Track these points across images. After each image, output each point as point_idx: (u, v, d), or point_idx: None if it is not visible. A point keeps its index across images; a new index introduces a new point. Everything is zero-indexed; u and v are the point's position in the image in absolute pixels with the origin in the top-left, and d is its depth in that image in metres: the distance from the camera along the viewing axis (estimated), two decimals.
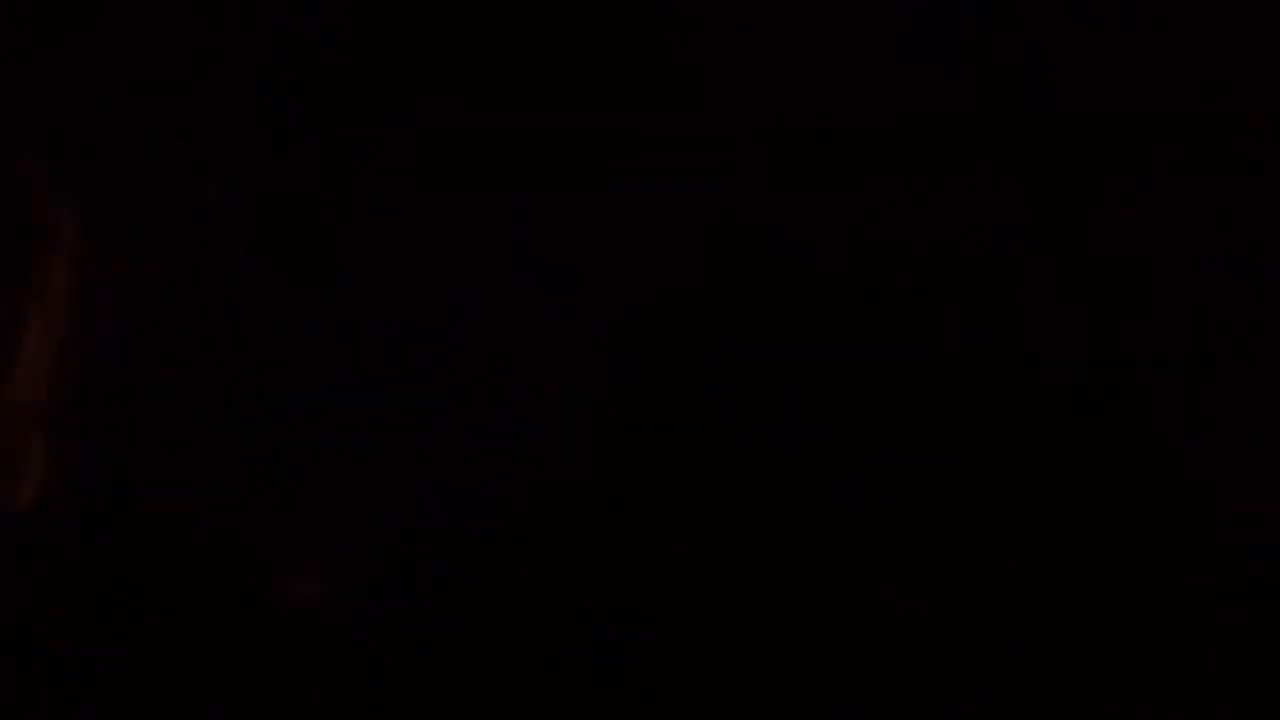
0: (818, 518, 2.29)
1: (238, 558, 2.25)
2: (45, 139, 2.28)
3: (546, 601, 2.28)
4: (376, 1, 2.35)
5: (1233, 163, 2.30)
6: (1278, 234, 2.30)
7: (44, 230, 2.10)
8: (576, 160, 2.35)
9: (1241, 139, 2.30)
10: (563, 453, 2.32)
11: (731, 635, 2.27)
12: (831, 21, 2.35)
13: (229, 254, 2.33)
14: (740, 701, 2.25)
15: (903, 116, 2.33)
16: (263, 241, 2.34)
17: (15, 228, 2.09)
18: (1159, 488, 2.26)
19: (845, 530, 2.28)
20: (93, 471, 2.27)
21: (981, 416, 2.30)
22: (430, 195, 2.36)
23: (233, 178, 2.33)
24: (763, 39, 2.36)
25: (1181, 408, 2.28)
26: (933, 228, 2.33)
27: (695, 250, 2.35)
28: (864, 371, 2.32)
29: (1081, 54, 2.32)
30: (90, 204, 2.31)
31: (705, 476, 2.31)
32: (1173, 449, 2.28)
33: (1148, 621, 2.22)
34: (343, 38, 2.36)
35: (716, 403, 2.33)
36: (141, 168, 2.33)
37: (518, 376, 2.33)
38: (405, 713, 2.23)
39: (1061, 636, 2.23)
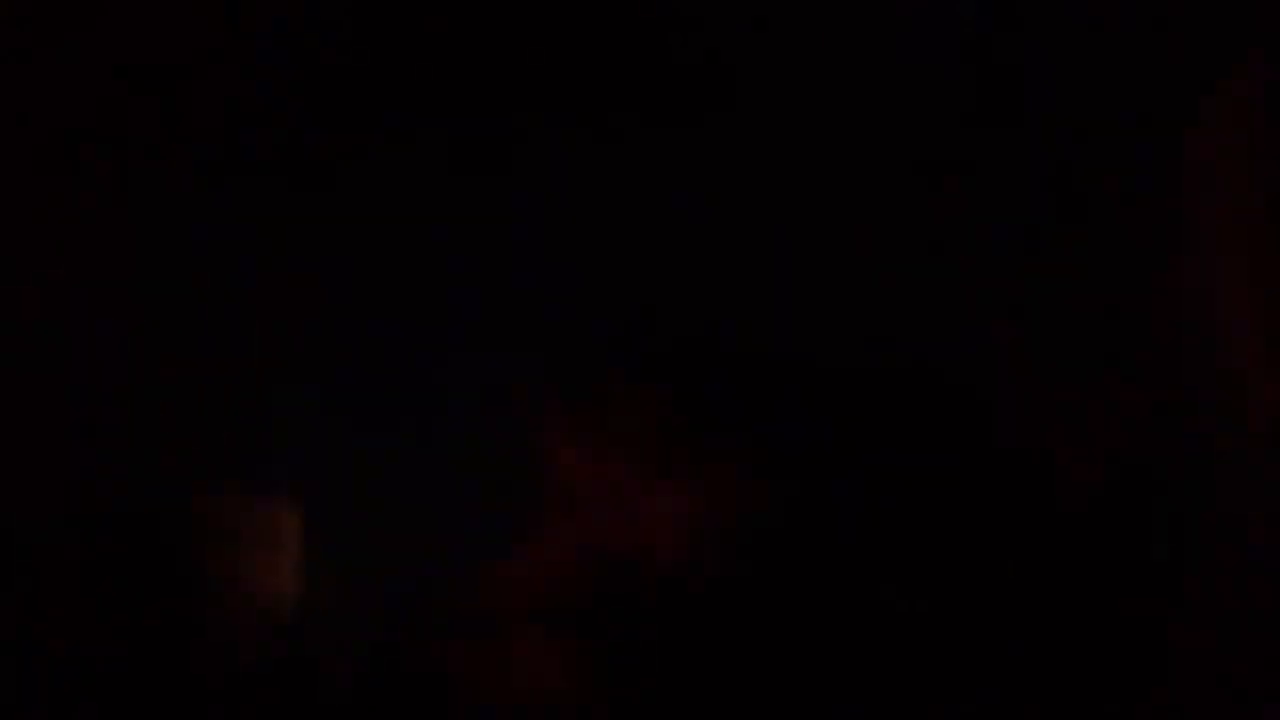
0: (816, 517, 2.29)
1: (233, 558, 2.25)
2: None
3: (540, 602, 2.28)
4: (377, 3, 2.36)
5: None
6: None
7: None
8: (573, 159, 2.36)
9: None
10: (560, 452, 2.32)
11: (729, 633, 2.28)
12: (831, 21, 2.35)
13: (229, 253, 2.34)
14: (736, 701, 2.25)
15: (901, 116, 2.33)
16: (262, 240, 2.34)
17: None
18: (1158, 490, 2.26)
19: (845, 531, 2.28)
20: (92, 471, 2.28)
21: (976, 419, 2.31)
22: (430, 192, 2.37)
23: (232, 177, 2.34)
24: (762, 39, 2.36)
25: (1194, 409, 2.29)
26: (930, 228, 2.33)
27: (693, 249, 2.35)
28: (861, 371, 2.32)
29: (1082, 54, 2.33)
30: (91, 203, 2.32)
31: (702, 474, 2.31)
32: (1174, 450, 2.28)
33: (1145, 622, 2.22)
34: (343, 38, 2.36)
35: (715, 401, 2.33)
36: (142, 166, 2.33)
37: (514, 376, 2.34)
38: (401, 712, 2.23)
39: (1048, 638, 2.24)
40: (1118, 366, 2.27)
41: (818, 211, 2.34)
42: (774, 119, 2.35)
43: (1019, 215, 2.32)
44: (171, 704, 2.18)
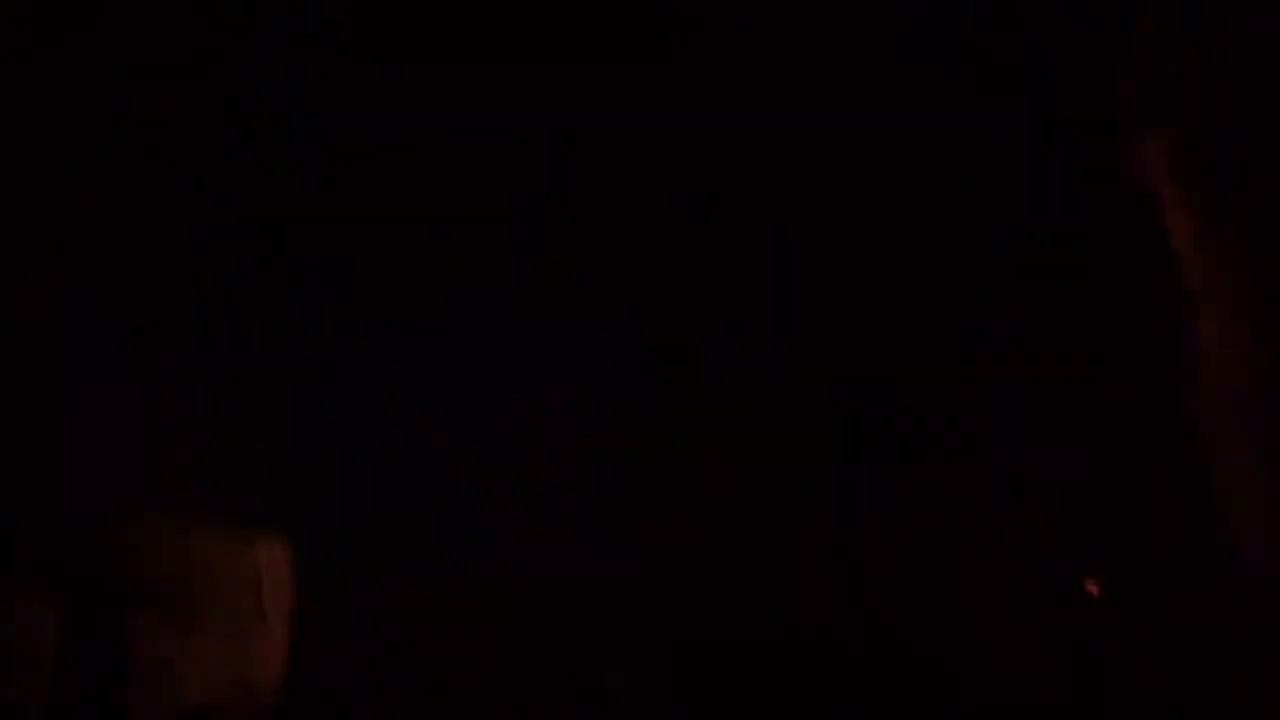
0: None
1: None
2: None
3: (531, 596, 2.29)
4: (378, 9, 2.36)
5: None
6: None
7: None
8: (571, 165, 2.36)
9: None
10: (552, 448, 2.33)
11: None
12: (832, 21, 2.35)
13: (232, 251, 2.34)
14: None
15: (901, 118, 2.34)
16: (262, 238, 2.34)
17: None
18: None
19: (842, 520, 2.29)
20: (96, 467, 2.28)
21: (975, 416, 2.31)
22: (428, 190, 2.37)
23: (233, 175, 2.34)
24: (763, 38, 2.37)
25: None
26: (929, 229, 2.34)
27: (694, 254, 2.35)
28: (860, 370, 2.33)
29: (1078, 56, 2.33)
30: (91, 200, 2.33)
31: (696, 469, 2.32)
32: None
33: None
34: (343, 38, 2.37)
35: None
36: (143, 164, 2.34)
37: (511, 380, 2.34)
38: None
39: None
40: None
41: (811, 207, 2.35)
42: (773, 117, 2.36)
43: (1016, 214, 2.33)
44: None
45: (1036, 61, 2.33)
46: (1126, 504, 2.28)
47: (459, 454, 2.31)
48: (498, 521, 2.30)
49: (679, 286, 2.35)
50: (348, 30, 2.36)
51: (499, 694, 2.21)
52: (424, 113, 2.35)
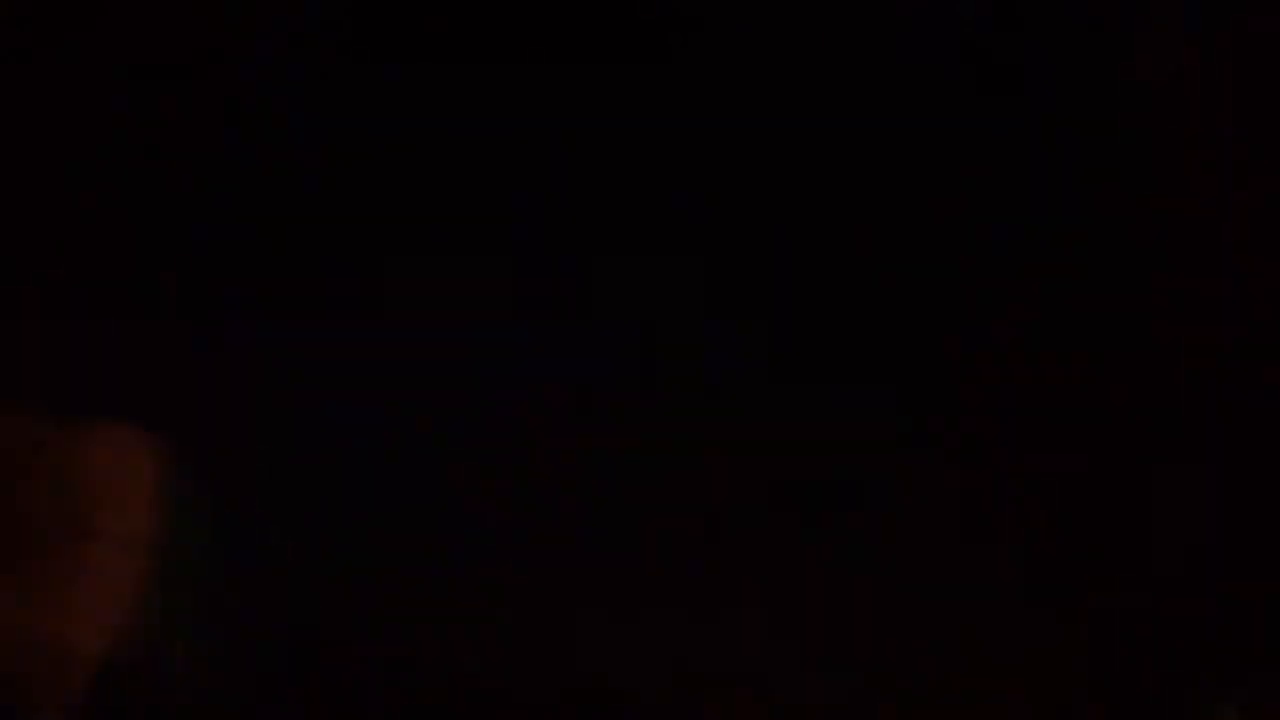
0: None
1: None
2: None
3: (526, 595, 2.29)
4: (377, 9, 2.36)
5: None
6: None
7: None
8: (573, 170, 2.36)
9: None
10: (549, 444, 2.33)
11: None
12: (832, 21, 2.35)
13: (229, 256, 2.34)
14: None
15: (902, 117, 2.33)
16: (262, 239, 2.34)
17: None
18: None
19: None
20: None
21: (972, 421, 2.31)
22: (429, 190, 2.37)
23: (233, 176, 2.34)
24: (763, 38, 2.37)
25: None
26: (931, 230, 2.34)
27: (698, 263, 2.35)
28: (860, 369, 2.33)
29: (1081, 54, 2.33)
30: (90, 200, 2.33)
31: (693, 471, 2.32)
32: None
33: None
34: (343, 38, 2.37)
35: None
36: (143, 164, 2.34)
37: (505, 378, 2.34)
38: None
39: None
40: None
41: (812, 209, 2.35)
42: (773, 118, 2.36)
43: (1018, 215, 2.32)
44: None
45: (1036, 61, 2.34)
46: (1126, 504, 2.28)
47: (458, 454, 2.31)
48: (496, 522, 2.30)
49: (680, 286, 2.35)
50: (348, 30, 2.36)
51: (497, 695, 2.21)
52: (424, 113, 2.35)
